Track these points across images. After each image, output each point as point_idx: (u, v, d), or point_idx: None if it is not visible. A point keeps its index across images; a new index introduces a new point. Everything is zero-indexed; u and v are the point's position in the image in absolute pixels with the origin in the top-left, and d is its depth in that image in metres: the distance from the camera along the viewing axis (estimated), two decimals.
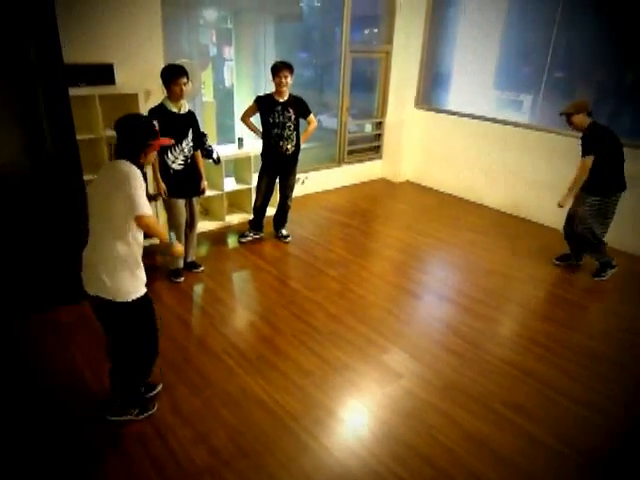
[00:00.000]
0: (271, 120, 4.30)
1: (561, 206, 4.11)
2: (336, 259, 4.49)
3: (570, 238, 4.36)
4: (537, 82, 5.55)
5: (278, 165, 4.53)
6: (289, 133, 4.35)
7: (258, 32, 5.74)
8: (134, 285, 2.27)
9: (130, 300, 2.25)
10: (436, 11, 6.33)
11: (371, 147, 7.07)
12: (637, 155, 4.40)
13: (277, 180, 4.68)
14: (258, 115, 4.41)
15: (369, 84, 6.85)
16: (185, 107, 3.70)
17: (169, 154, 3.69)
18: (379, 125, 7.00)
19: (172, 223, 3.91)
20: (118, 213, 2.13)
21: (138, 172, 2.16)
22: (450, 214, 5.85)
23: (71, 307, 3.44)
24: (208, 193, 4.91)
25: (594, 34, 5.11)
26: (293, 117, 4.34)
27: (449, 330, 3.50)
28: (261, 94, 4.42)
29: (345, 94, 6.29)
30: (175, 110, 3.63)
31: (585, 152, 3.94)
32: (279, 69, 4.15)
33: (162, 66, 3.68)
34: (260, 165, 4.62)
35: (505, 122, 5.79)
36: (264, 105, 4.32)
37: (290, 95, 4.31)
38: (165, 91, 3.62)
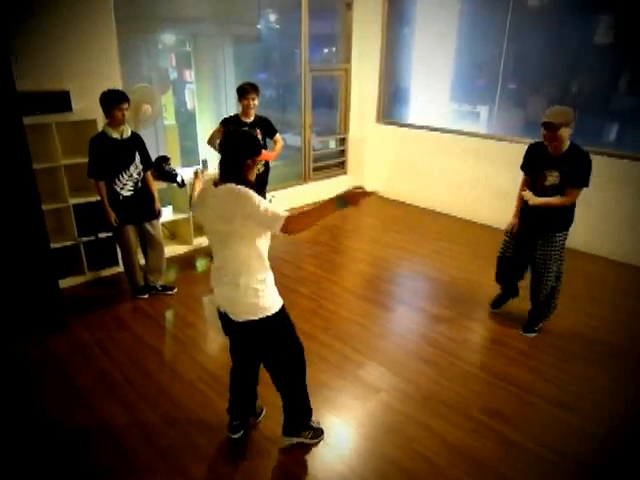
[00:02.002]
0: None
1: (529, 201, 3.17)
2: (307, 276, 4.48)
3: (511, 284, 3.72)
4: (492, 94, 5.74)
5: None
6: None
7: (217, 54, 5.77)
8: (276, 293, 2.22)
9: (279, 309, 2.20)
10: (391, 29, 6.51)
11: (336, 163, 7.13)
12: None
13: None
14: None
15: (331, 101, 6.94)
16: (127, 131, 3.64)
17: (117, 181, 3.62)
18: (342, 141, 7.08)
19: (124, 252, 3.91)
20: (248, 234, 2.06)
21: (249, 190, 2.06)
22: (416, 225, 5.93)
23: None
24: (174, 217, 4.87)
25: (541, 46, 5.34)
26: (260, 137, 4.33)
27: (423, 340, 3.52)
28: (227, 116, 4.40)
29: (307, 112, 6.35)
30: (117, 136, 3.56)
31: (586, 182, 3.07)
32: (247, 92, 4.13)
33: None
34: None
35: (463, 133, 5.96)
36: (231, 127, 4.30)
37: (256, 116, 4.31)
38: (105, 117, 3.53)
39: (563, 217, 3.23)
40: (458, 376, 3.12)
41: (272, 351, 2.28)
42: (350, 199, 1.97)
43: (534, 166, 3.27)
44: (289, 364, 2.34)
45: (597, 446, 2.59)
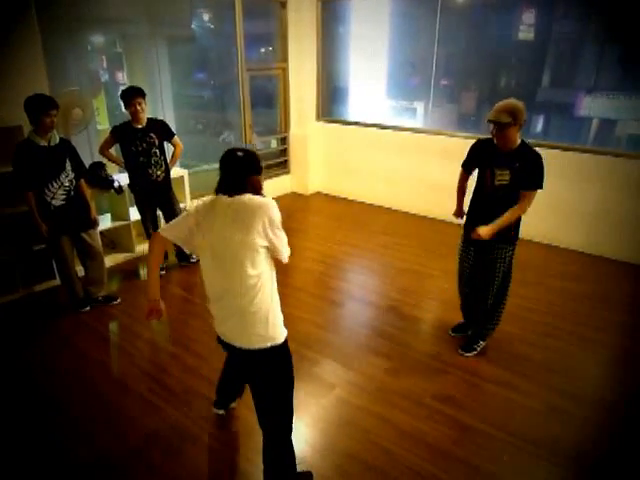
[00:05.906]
0: (134, 149, 3.99)
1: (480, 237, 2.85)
2: None
3: (471, 306, 3.39)
4: (426, 90, 5.93)
5: (152, 194, 4.20)
6: (156, 159, 4.08)
7: (150, 55, 5.58)
8: (282, 322, 2.05)
9: (284, 339, 2.01)
10: (326, 28, 6.57)
11: (278, 162, 7.12)
12: None
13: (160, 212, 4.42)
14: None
15: (271, 101, 6.91)
16: (55, 138, 3.43)
17: (47, 191, 3.42)
18: (284, 140, 7.08)
19: (60, 264, 3.72)
20: (260, 253, 1.88)
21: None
22: (361, 220, 6.04)
23: None
24: (114, 224, 4.69)
25: (469, 44, 5.59)
26: (157, 142, 4.07)
27: (374, 333, 3.59)
28: (117, 124, 4.08)
29: (246, 112, 6.28)
30: (44, 144, 3.36)
31: (540, 184, 2.79)
32: (131, 97, 3.85)
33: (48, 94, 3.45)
34: (134, 199, 4.29)
35: (401, 128, 6.13)
36: (123, 135, 4.01)
37: (148, 119, 4.05)
38: (31, 124, 3.32)
39: (508, 230, 2.92)
40: (409, 365, 3.21)
41: (269, 381, 2.04)
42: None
43: (482, 164, 2.97)
44: (281, 398, 2.09)
45: (541, 421, 2.75)
